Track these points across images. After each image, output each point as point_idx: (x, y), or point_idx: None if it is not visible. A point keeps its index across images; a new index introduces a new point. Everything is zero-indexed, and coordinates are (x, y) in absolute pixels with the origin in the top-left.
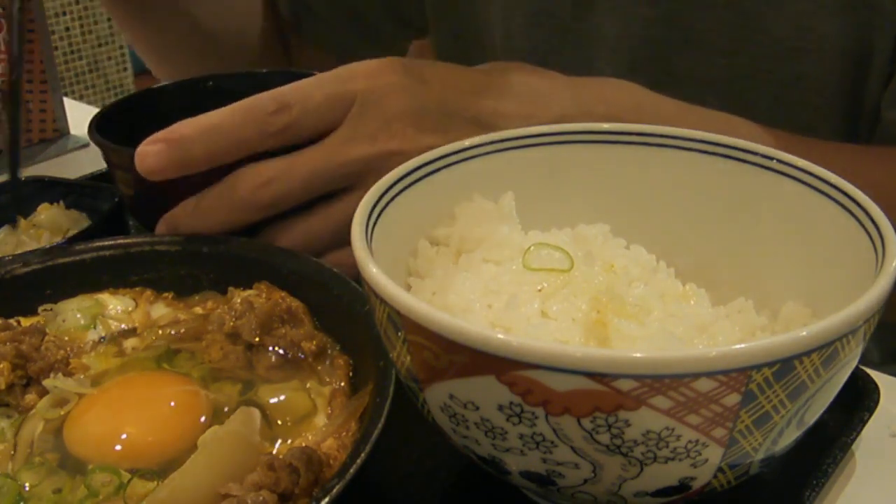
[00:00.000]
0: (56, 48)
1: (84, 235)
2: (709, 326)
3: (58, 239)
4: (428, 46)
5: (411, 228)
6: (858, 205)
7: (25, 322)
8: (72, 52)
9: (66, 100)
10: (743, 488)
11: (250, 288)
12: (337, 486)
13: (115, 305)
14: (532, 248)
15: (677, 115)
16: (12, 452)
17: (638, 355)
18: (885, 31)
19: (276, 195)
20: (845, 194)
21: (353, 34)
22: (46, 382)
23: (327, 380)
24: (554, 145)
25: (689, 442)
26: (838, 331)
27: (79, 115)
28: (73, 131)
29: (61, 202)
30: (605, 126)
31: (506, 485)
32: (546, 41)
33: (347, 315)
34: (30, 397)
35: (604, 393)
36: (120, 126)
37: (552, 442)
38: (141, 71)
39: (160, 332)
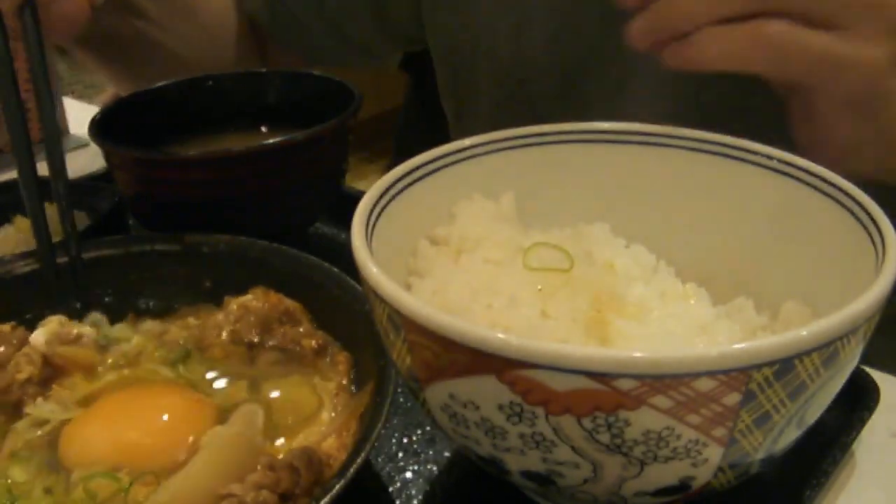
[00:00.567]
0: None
1: (84, 235)
2: (709, 326)
3: (58, 239)
4: None
5: (411, 228)
6: (859, 204)
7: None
8: None
9: (66, 100)
10: (743, 488)
11: (249, 288)
12: (337, 486)
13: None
14: (532, 247)
15: None
16: None
17: (638, 355)
18: None
19: None
20: (846, 194)
21: (341, 46)
22: (27, 409)
23: (328, 378)
24: (554, 145)
25: (690, 441)
26: (838, 331)
27: (79, 115)
28: (73, 131)
29: None
30: (605, 126)
31: (506, 485)
32: (570, 60)
33: (347, 314)
34: None
35: (604, 393)
36: (120, 126)
37: (552, 442)
38: None
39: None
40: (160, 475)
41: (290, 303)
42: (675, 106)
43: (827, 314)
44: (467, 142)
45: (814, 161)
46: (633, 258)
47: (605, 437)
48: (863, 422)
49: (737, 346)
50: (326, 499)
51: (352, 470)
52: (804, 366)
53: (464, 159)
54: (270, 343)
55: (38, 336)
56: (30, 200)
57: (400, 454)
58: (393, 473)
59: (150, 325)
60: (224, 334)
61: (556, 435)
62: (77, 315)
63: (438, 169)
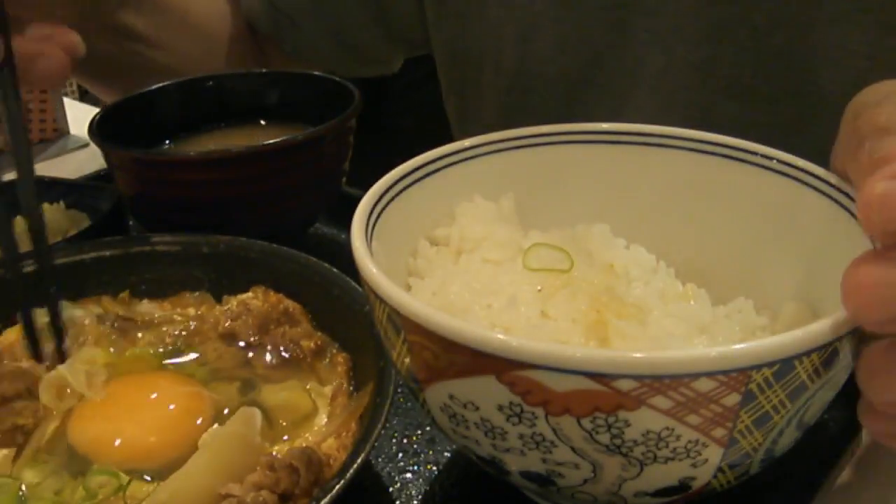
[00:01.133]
0: None
1: (84, 235)
2: (709, 326)
3: (58, 239)
4: None
5: (411, 228)
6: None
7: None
8: None
9: (66, 100)
10: (743, 488)
11: (248, 289)
12: (337, 487)
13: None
14: (532, 248)
15: None
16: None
17: (638, 355)
18: None
19: None
20: (845, 194)
21: (341, 50)
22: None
23: (326, 379)
24: (554, 145)
25: (689, 442)
26: (838, 331)
27: (79, 115)
28: (73, 131)
29: (61, 202)
30: (605, 126)
31: (506, 485)
32: (575, 69)
33: (347, 315)
34: None
35: (604, 393)
36: (120, 126)
37: (552, 442)
38: None
39: (155, 332)
40: (159, 474)
41: (289, 303)
42: (683, 120)
43: (827, 314)
44: (467, 142)
45: None
46: (633, 258)
47: (604, 438)
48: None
49: (736, 346)
50: (326, 499)
51: (352, 470)
52: (804, 366)
53: (464, 160)
54: (268, 345)
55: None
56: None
57: (400, 454)
58: (393, 473)
59: (147, 306)
60: (220, 329)
61: (555, 435)
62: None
63: (438, 169)
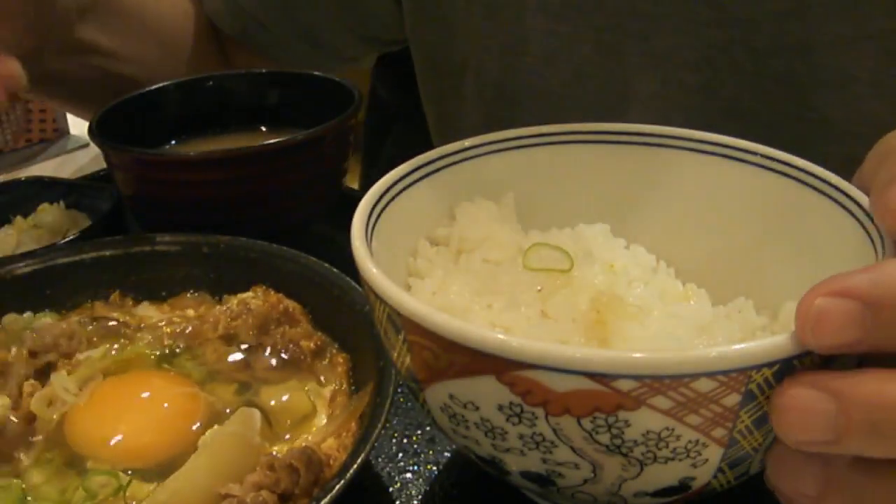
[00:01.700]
0: None
1: (84, 235)
2: (709, 326)
3: (58, 239)
4: None
5: (411, 228)
6: (858, 205)
7: None
8: None
9: None
10: (743, 488)
11: (249, 289)
12: (337, 487)
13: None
14: (532, 248)
15: None
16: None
17: (638, 355)
18: None
19: None
20: (845, 194)
21: (311, 50)
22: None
23: (326, 379)
24: (554, 145)
25: (689, 442)
26: None
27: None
28: (73, 131)
29: (61, 202)
30: (605, 126)
31: (506, 485)
32: (562, 84)
33: (347, 315)
34: None
35: (604, 393)
36: (120, 126)
37: (552, 442)
38: None
39: (154, 333)
40: (157, 474)
41: (289, 303)
42: None
43: None
44: (467, 142)
45: None
46: (633, 258)
47: (604, 438)
48: None
49: (736, 346)
50: (326, 499)
51: (352, 470)
52: (804, 366)
53: (464, 160)
54: (268, 346)
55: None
56: None
57: (400, 454)
58: (393, 473)
59: (146, 309)
60: (220, 329)
61: (555, 435)
62: None
63: (438, 169)
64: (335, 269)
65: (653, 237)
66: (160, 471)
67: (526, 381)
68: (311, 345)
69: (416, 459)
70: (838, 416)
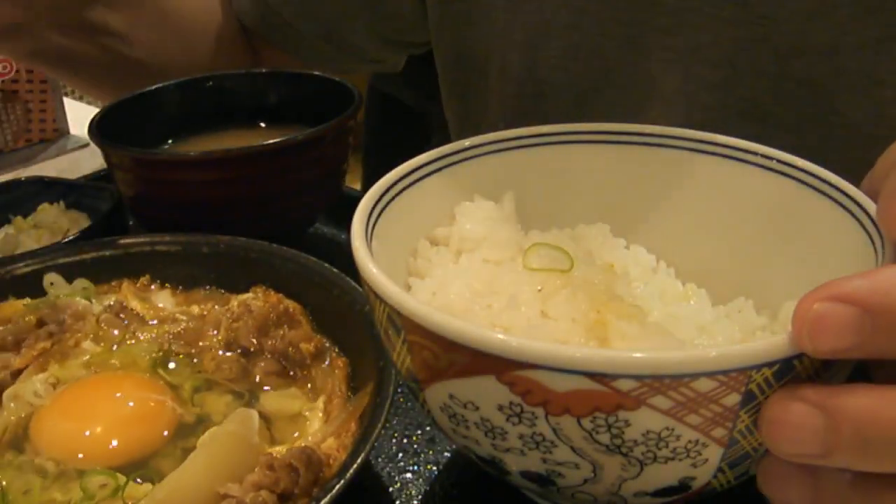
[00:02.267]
0: None
1: (84, 235)
2: (709, 326)
3: (58, 239)
4: None
5: (411, 228)
6: (858, 204)
7: None
8: None
9: (66, 100)
10: (743, 488)
11: (248, 289)
12: (337, 487)
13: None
14: (532, 248)
15: None
16: None
17: (638, 355)
18: None
19: None
20: (845, 194)
21: (335, 50)
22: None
23: (325, 384)
24: (554, 145)
25: (689, 442)
26: None
27: (79, 115)
28: (73, 131)
29: (61, 202)
30: (605, 126)
31: (506, 485)
32: (586, 78)
33: (347, 315)
34: None
35: (604, 393)
36: (120, 126)
37: (552, 442)
38: None
39: (157, 330)
40: (157, 474)
41: (289, 303)
42: None
43: None
44: (467, 142)
45: None
46: (633, 258)
47: (604, 438)
48: None
49: (736, 346)
50: (326, 499)
51: (351, 470)
52: (804, 366)
53: (464, 160)
54: (268, 349)
55: None
56: None
57: (400, 454)
58: (393, 473)
59: (161, 296)
60: (220, 333)
61: (555, 435)
62: None
63: (438, 169)
64: (335, 269)
65: (653, 237)
66: (123, 469)
67: (526, 381)
68: (311, 347)
69: (416, 459)
70: (827, 431)
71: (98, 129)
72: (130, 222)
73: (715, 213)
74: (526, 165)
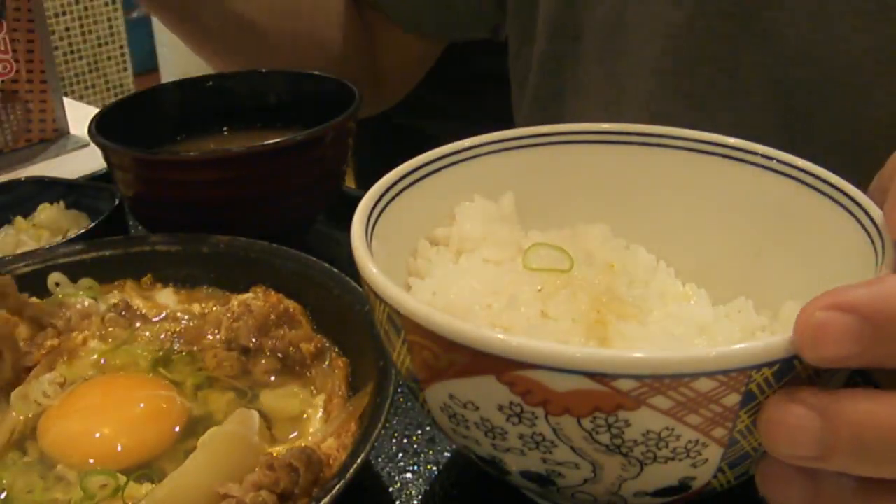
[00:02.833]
0: (56, 48)
1: (84, 235)
2: (709, 326)
3: (58, 239)
4: None
5: (411, 228)
6: (858, 204)
7: None
8: (72, 52)
9: (66, 100)
10: (743, 488)
11: (248, 289)
12: (337, 487)
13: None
14: (532, 248)
15: None
16: None
17: (638, 355)
18: None
19: None
20: (845, 194)
21: (445, 14)
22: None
23: (325, 384)
24: (554, 145)
25: (689, 442)
26: None
27: (79, 115)
28: (73, 131)
29: (61, 202)
30: (605, 126)
31: (506, 485)
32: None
33: (347, 315)
34: None
35: (604, 393)
36: (120, 126)
37: (552, 442)
38: (141, 71)
39: (157, 328)
40: (157, 473)
41: (289, 303)
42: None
43: None
44: (467, 142)
45: None
46: (632, 258)
47: (604, 438)
48: None
49: (736, 346)
50: (326, 499)
51: (352, 470)
52: (804, 366)
53: (464, 159)
54: (268, 348)
55: None
56: None
57: (400, 454)
58: (393, 474)
59: (165, 295)
60: (220, 332)
61: (555, 435)
62: None
63: (438, 169)
64: (335, 269)
65: (653, 237)
66: (128, 471)
67: (526, 380)
68: (311, 347)
69: (416, 459)
70: (825, 434)
71: (98, 129)
72: (130, 223)
73: (715, 213)
74: (526, 165)
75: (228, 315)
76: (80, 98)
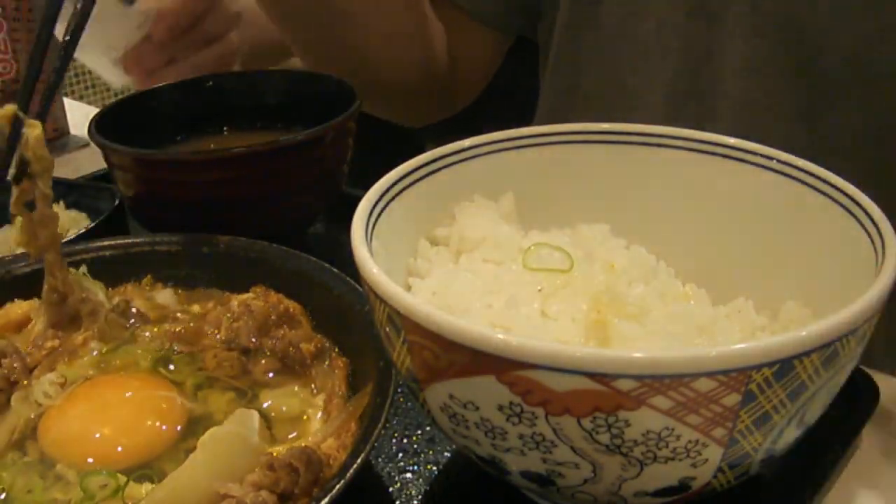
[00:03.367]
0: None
1: (84, 235)
2: (709, 326)
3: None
4: None
5: (411, 228)
6: (858, 205)
7: None
8: None
9: (66, 100)
10: (743, 488)
11: (248, 289)
12: (337, 487)
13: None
14: (532, 248)
15: None
16: None
17: (638, 355)
18: None
19: None
20: (845, 194)
21: (505, 3)
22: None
23: (325, 384)
24: (554, 145)
25: (689, 442)
26: (838, 331)
27: (79, 115)
28: (73, 131)
29: (61, 202)
30: (605, 126)
31: (506, 485)
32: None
33: (347, 315)
34: None
35: (604, 393)
36: (120, 126)
37: (552, 442)
38: None
39: (156, 328)
40: (157, 473)
41: (289, 303)
42: None
43: (827, 314)
44: (467, 142)
45: None
46: (633, 258)
47: (604, 438)
48: (862, 423)
49: (736, 346)
50: (326, 499)
51: (352, 470)
52: (804, 366)
53: (464, 159)
54: (268, 348)
55: None
56: None
57: (400, 454)
58: (393, 474)
59: (165, 296)
60: (220, 332)
61: (555, 435)
62: None
63: (438, 169)
64: (335, 269)
65: (653, 237)
66: (127, 471)
67: (526, 380)
68: (311, 347)
69: (416, 459)
70: None
71: (98, 129)
72: (130, 223)
73: (715, 213)
74: (526, 165)
75: (228, 315)
76: (80, 98)
